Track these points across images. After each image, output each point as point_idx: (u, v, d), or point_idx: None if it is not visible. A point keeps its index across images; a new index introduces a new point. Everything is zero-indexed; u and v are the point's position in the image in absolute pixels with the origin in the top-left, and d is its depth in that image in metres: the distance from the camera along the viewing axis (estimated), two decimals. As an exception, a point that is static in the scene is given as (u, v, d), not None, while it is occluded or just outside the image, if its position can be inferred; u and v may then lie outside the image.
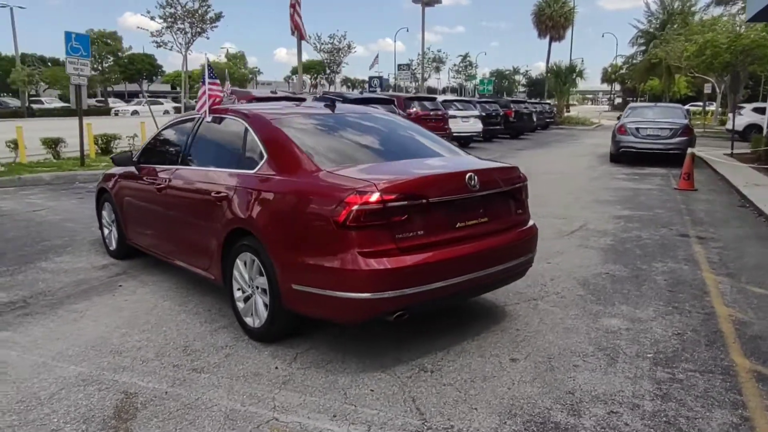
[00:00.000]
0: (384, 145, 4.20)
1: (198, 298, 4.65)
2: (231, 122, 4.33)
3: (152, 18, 16.42)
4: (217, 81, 4.65)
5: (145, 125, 15.59)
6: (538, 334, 3.96)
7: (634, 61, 50.40)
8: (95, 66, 58.26)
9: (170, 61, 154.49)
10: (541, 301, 4.60)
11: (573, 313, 4.34)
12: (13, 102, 47.81)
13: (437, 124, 16.20)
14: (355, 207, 3.16)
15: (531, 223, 4.16)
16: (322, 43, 35.35)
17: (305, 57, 49.42)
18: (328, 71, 51.07)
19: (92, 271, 5.37)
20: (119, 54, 59.60)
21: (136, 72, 62.80)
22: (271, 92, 12.77)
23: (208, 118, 4.51)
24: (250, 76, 71.94)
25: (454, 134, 18.27)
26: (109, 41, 57.83)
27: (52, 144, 13.08)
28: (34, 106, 44.17)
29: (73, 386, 3.23)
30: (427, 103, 16.89)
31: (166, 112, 40.32)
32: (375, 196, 3.19)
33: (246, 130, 4.08)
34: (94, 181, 10.77)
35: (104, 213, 5.93)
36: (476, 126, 19.11)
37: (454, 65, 76.65)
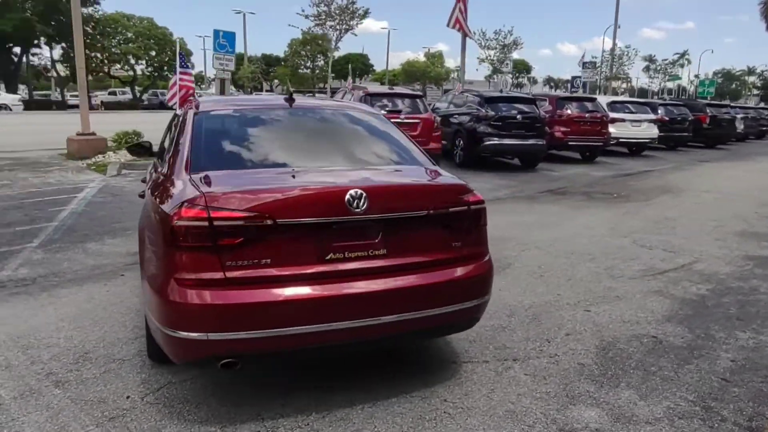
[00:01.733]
0: (301, 150, 3.42)
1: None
2: (180, 114, 3.97)
3: (306, 16, 17.15)
4: (190, 71, 4.35)
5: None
6: (461, 414, 2.93)
7: None
8: (308, 65, 63.97)
9: (381, 59, 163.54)
10: (520, 364, 3.47)
11: (543, 390, 3.17)
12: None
13: (593, 127, 14.30)
14: (177, 222, 2.57)
15: (484, 258, 3.12)
16: (487, 40, 34.03)
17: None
18: (524, 72, 49.10)
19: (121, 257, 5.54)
20: (327, 54, 64.46)
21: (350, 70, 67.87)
22: (390, 88, 12.35)
23: (179, 111, 4.23)
24: (452, 75, 72.49)
25: (621, 140, 16.01)
26: (320, 42, 62.88)
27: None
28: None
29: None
30: (586, 104, 14.97)
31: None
32: (196, 210, 2.56)
33: (183, 122, 3.67)
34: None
35: None
36: (650, 131, 16.44)
37: (655, 64, 68.04)
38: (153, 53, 57.17)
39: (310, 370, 3.33)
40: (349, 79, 20.90)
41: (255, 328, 2.58)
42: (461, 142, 12.70)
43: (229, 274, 2.58)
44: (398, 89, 11.91)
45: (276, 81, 56.77)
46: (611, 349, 3.70)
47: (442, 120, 14.00)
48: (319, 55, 62.88)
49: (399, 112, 10.56)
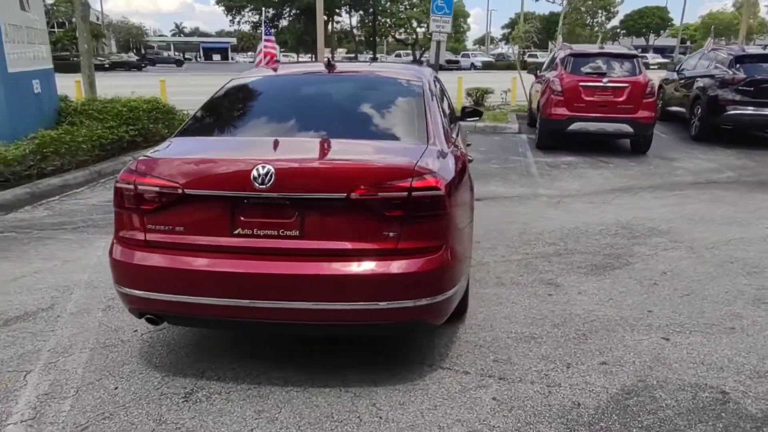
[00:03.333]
0: (291, 120, 3.21)
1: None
2: None
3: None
4: (272, 38, 4.54)
5: (516, 81, 15.52)
6: (371, 423, 2.57)
7: None
8: (589, 22, 59.37)
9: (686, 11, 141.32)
10: (501, 385, 2.86)
11: (492, 424, 2.56)
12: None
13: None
14: (117, 184, 2.79)
15: (435, 254, 2.63)
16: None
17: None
18: None
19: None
20: (610, 9, 58.76)
21: (644, 26, 60.82)
22: (600, 47, 10.69)
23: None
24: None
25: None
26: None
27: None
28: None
29: None
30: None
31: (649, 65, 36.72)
32: (126, 174, 2.74)
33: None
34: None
35: None
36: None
37: None
38: (433, 16, 60.00)
39: (291, 343, 3.31)
40: (559, 37, 19.08)
41: (166, 291, 2.68)
42: (699, 110, 10.49)
43: (149, 237, 2.71)
44: (611, 48, 10.25)
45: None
46: (642, 394, 2.80)
47: (685, 83, 11.73)
48: (600, 11, 57.76)
49: (602, 75, 9.18)
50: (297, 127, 3.21)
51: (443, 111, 3.78)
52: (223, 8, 61.26)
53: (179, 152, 2.94)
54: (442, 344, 3.29)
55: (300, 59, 60.86)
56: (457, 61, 53.03)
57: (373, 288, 2.58)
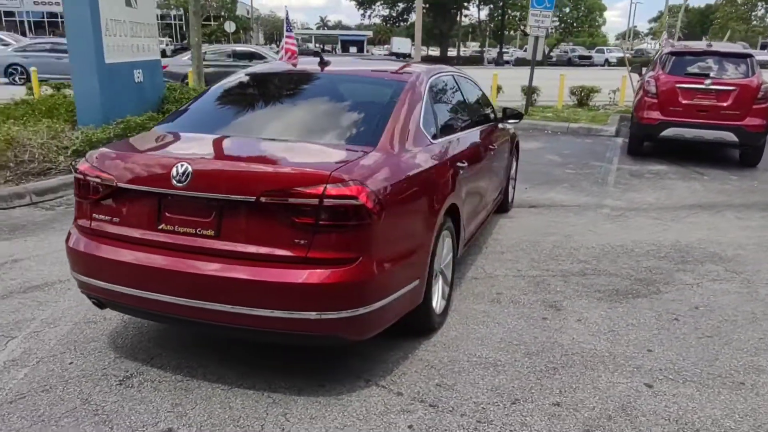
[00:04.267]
0: (255, 118, 3.20)
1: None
2: None
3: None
4: (293, 35, 4.55)
5: (626, 79, 14.24)
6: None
7: None
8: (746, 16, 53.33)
9: None
10: (427, 412, 2.63)
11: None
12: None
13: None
14: (76, 173, 2.95)
15: (349, 266, 2.48)
16: None
17: None
18: None
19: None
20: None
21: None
22: (708, 45, 9.40)
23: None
24: None
25: None
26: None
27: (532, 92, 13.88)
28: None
29: None
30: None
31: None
32: (81, 163, 2.90)
33: None
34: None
35: None
36: None
37: None
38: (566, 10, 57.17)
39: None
40: (664, 33, 17.14)
41: (101, 279, 2.79)
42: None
43: (93, 226, 2.85)
44: (720, 46, 8.96)
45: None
46: (581, 447, 2.44)
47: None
48: (760, 3, 51.31)
49: (704, 76, 8.12)
50: (249, 126, 3.22)
51: (435, 113, 3.56)
52: (355, 3, 63.06)
53: (126, 146, 3.06)
54: (393, 359, 3.12)
55: (429, 54, 61.03)
56: (590, 57, 50.10)
57: (279, 296, 2.49)
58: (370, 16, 64.89)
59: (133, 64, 8.98)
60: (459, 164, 3.58)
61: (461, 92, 4.33)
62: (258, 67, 4.13)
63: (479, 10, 62.88)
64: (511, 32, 63.36)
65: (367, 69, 3.97)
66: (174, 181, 2.56)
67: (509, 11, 58.81)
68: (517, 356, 3.17)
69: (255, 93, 3.60)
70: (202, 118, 3.39)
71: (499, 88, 14.19)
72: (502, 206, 5.87)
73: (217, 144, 2.97)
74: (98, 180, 2.78)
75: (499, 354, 3.19)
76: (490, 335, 3.40)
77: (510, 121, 5.33)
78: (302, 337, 2.65)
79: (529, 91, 12.81)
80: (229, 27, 51.47)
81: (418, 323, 3.24)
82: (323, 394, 2.80)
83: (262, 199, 2.47)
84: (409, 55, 63.49)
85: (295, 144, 2.94)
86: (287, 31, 4.71)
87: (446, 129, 3.73)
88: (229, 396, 2.79)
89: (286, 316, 2.49)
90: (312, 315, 2.48)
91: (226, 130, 3.17)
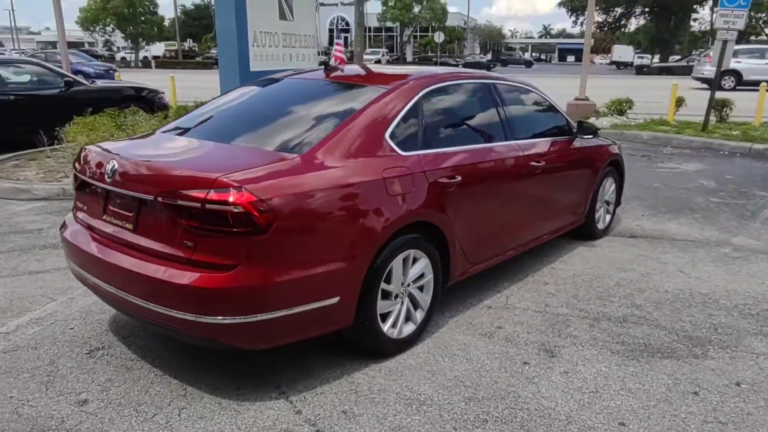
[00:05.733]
0: (232, 121, 3.26)
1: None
2: None
3: None
4: (341, 42, 4.63)
5: None
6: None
7: None
8: None
9: None
10: (306, 437, 2.48)
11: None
12: None
13: None
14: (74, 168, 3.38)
15: (226, 272, 2.45)
16: None
17: None
18: None
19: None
20: None
21: None
22: None
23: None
24: None
25: None
26: None
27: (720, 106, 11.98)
28: None
29: None
30: None
31: None
32: (74, 160, 3.29)
33: None
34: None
35: None
36: None
37: None
38: None
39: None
40: None
41: (72, 261, 3.16)
42: None
43: (76, 215, 3.25)
44: None
45: None
46: None
47: None
48: None
49: None
50: (216, 129, 3.36)
51: (422, 123, 3.33)
52: (566, 10, 60.47)
53: (111, 143, 3.40)
54: (324, 376, 2.99)
55: (642, 61, 55.88)
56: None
57: (166, 294, 2.57)
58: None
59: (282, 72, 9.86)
60: (447, 179, 3.29)
61: (493, 102, 3.95)
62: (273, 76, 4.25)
63: (713, 12, 55.59)
64: (752, 37, 54.66)
65: (364, 75, 3.85)
66: (106, 177, 2.82)
67: (752, 13, 50.97)
68: (455, 399, 2.82)
69: (245, 98, 3.73)
70: (187, 120, 3.62)
71: (680, 101, 12.48)
72: (584, 232, 5.20)
73: (159, 144, 3.25)
74: (76, 173, 3.18)
75: (437, 393, 2.86)
76: (446, 371, 3.07)
77: (585, 135, 4.73)
78: (189, 337, 2.70)
79: (710, 104, 11.01)
80: (438, 37, 53.22)
81: (365, 344, 3.07)
82: (232, 398, 2.81)
83: (159, 199, 2.58)
84: (631, 64, 58.60)
85: (229, 147, 3.01)
86: (337, 38, 4.79)
87: (442, 141, 3.46)
88: (155, 382, 2.95)
89: (172, 315, 2.56)
90: (189, 316, 2.52)
91: (195, 132, 3.35)
